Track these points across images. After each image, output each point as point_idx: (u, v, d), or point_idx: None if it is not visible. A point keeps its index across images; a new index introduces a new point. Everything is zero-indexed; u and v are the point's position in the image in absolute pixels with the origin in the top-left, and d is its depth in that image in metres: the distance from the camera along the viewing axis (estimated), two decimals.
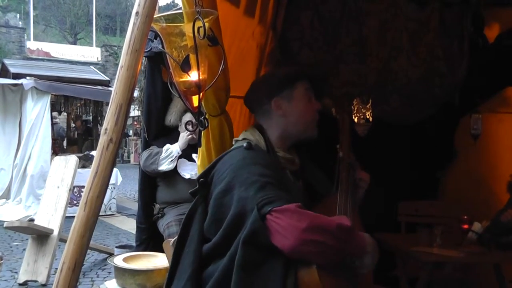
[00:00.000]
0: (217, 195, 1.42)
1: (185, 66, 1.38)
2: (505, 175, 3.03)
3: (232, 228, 1.35)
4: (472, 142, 3.46)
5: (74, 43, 26.66)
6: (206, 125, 1.59)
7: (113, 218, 6.99)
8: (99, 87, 8.40)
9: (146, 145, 3.26)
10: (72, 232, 1.28)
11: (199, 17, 1.33)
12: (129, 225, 6.25)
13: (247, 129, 1.68)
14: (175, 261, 1.48)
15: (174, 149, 3.09)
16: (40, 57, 19.74)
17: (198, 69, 1.38)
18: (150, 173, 3.14)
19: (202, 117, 1.53)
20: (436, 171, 3.46)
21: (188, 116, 3.07)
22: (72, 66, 13.12)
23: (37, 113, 6.94)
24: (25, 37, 21.13)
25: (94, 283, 4.06)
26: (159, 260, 2.51)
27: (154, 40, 2.87)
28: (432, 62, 3.12)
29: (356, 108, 2.82)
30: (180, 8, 1.57)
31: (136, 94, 3.42)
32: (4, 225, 4.08)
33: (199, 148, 1.89)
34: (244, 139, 1.60)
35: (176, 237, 1.58)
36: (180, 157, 3.11)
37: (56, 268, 2.45)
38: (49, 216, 4.20)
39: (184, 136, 3.11)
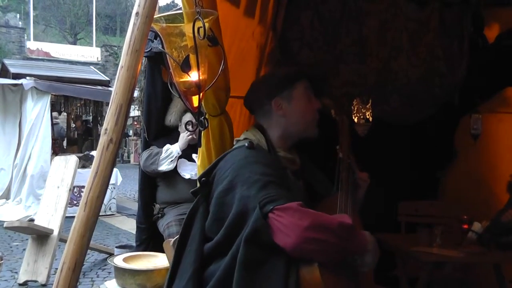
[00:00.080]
0: (219, 194, 1.43)
1: (185, 66, 1.38)
2: (505, 175, 3.03)
3: (234, 227, 1.35)
4: (472, 142, 3.46)
5: (74, 43, 26.66)
6: (206, 125, 1.59)
7: (113, 218, 6.99)
8: (99, 87, 8.40)
9: (146, 145, 3.26)
10: (72, 232, 1.28)
11: (199, 17, 1.33)
12: (129, 225, 6.25)
13: (248, 129, 1.69)
14: (176, 260, 1.48)
15: (174, 149, 3.09)
16: (40, 57, 19.74)
17: (198, 69, 1.38)
18: (150, 173, 3.14)
19: (202, 117, 1.53)
20: (436, 171, 3.46)
21: (188, 116, 3.07)
22: (72, 66, 13.13)
23: (37, 113, 6.94)
24: (25, 37, 21.13)
25: (94, 283, 4.06)
26: (159, 260, 2.52)
27: (154, 40, 2.87)
28: (432, 62, 3.13)
29: (356, 108, 2.82)
30: (180, 9, 1.57)
31: (136, 94, 3.42)
32: (4, 225, 4.08)
33: (199, 148, 1.90)
34: (245, 138, 1.61)
35: (177, 237, 1.58)
36: (180, 157, 3.11)
37: (56, 268, 2.44)
38: (49, 216, 4.20)
39: (184, 137, 3.11)
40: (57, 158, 4.78)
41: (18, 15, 25.91)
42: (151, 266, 2.45)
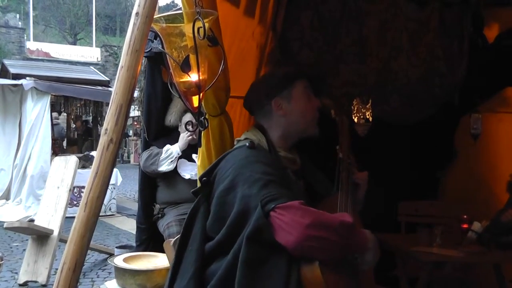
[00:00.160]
0: (220, 193, 1.43)
1: (185, 67, 1.38)
2: (505, 175, 3.03)
3: (235, 226, 1.36)
4: (472, 142, 3.46)
5: (74, 44, 26.66)
6: (206, 125, 1.59)
7: (113, 219, 6.99)
8: (99, 88, 8.39)
9: (146, 146, 3.26)
10: (73, 233, 1.28)
11: (199, 17, 1.34)
12: (129, 226, 6.25)
13: (248, 129, 1.69)
14: (178, 259, 1.48)
15: (174, 149, 3.09)
16: (40, 58, 19.75)
17: (198, 70, 1.38)
18: (150, 174, 3.14)
19: (202, 117, 1.54)
20: (436, 171, 3.46)
21: (188, 116, 3.07)
22: (72, 67, 13.11)
23: (37, 114, 6.94)
24: (25, 38, 21.14)
25: (95, 283, 4.06)
26: (159, 260, 2.52)
27: (154, 40, 2.87)
28: (432, 62, 3.13)
29: (356, 108, 2.82)
30: (180, 9, 1.57)
31: (136, 94, 3.42)
32: (4, 226, 4.08)
33: (199, 149, 1.90)
34: (246, 138, 1.62)
35: (177, 237, 1.58)
36: (180, 157, 3.11)
37: (56, 269, 2.44)
38: (49, 216, 4.20)
39: (184, 137, 3.11)
40: (57, 158, 4.78)
41: (17, 15, 25.91)
42: (151, 266, 2.45)
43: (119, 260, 2.46)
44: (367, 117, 2.82)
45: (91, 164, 1.33)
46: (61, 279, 1.27)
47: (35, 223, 4.23)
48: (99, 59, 21.61)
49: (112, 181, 5.17)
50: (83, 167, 6.66)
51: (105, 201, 5.43)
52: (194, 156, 3.09)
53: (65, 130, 10.93)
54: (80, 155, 7.07)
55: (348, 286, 1.46)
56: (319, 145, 1.86)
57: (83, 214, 1.27)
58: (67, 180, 4.35)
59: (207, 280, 1.38)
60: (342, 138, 1.91)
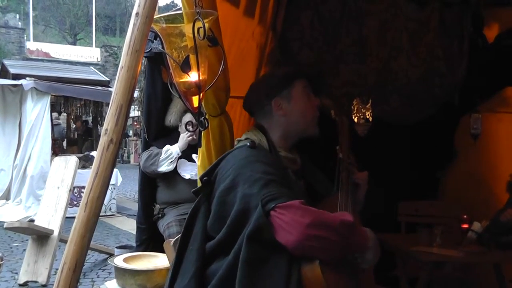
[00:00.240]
0: (221, 193, 1.44)
1: (185, 67, 1.38)
2: (505, 175, 3.03)
3: (236, 225, 1.36)
4: (472, 142, 3.46)
5: (74, 44, 26.66)
6: (206, 125, 1.59)
7: (113, 219, 6.99)
8: (99, 88, 8.39)
9: (146, 146, 3.26)
10: (73, 233, 1.29)
11: (199, 17, 1.34)
12: (129, 226, 6.25)
13: (249, 130, 1.69)
14: (178, 259, 1.49)
15: (173, 150, 3.09)
16: (39, 58, 19.77)
17: (198, 70, 1.39)
18: (150, 174, 3.14)
19: (202, 117, 1.54)
20: (436, 171, 3.46)
21: (188, 117, 3.07)
22: (72, 67, 13.10)
23: (37, 114, 6.94)
24: (25, 38, 21.16)
25: (95, 283, 4.06)
26: (159, 261, 2.51)
27: (154, 40, 2.87)
28: (432, 62, 3.13)
29: (356, 108, 2.83)
30: (180, 9, 1.57)
31: (136, 94, 3.42)
32: (4, 226, 4.08)
33: (199, 149, 1.90)
34: (247, 138, 1.62)
35: (177, 237, 1.58)
36: (180, 157, 3.11)
37: (56, 269, 2.44)
38: (49, 216, 4.20)
39: (184, 137, 3.11)
40: (57, 158, 4.78)
41: (17, 16, 25.94)
42: (151, 267, 2.45)
43: (119, 260, 2.46)
44: (367, 117, 2.83)
45: (91, 164, 1.34)
46: (61, 279, 1.27)
47: (35, 223, 4.23)
48: (99, 59, 21.62)
49: (112, 181, 5.16)
50: (83, 167, 6.67)
51: (105, 201, 5.43)
52: (194, 156, 3.09)
53: (66, 130, 10.94)
54: (80, 155, 7.07)
55: (348, 285, 1.46)
56: (319, 145, 1.86)
57: (83, 214, 1.27)
58: (67, 180, 4.35)
59: (207, 280, 1.38)
60: (342, 138, 1.91)
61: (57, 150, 7.98)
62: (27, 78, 7.40)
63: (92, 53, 22.09)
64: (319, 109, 1.70)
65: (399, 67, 3.09)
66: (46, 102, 7.04)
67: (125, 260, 2.47)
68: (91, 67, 12.32)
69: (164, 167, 3.07)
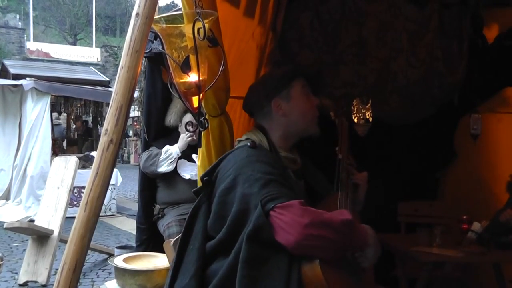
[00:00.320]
0: (221, 192, 1.44)
1: (185, 67, 1.38)
2: (505, 175, 3.03)
3: (236, 225, 1.37)
4: (472, 142, 3.46)
5: (74, 44, 26.66)
6: (206, 125, 1.59)
7: (113, 219, 6.99)
8: (99, 88, 8.39)
9: (146, 146, 3.26)
10: (73, 233, 1.29)
11: (199, 18, 1.34)
12: (129, 226, 6.25)
13: (249, 131, 1.70)
14: (179, 258, 1.49)
15: (173, 150, 3.09)
16: (40, 58, 19.77)
17: (198, 70, 1.39)
18: (150, 175, 3.15)
19: (202, 117, 1.54)
20: (436, 171, 3.46)
21: (188, 117, 3.08)
22: (72, 67, 13.10)
23: (37, 114, 6.94)
24: (25, 38, 21.17)
25: (95, 283, 4.06)
26: (159, 261, 2.52)
27: (154, 41, 2.87)
28: (432, 62, 3.13)
29: (356, 109, 2.82)
30: (180, 9, 1.57)
31: (136, 94, 3.42)
32: (4, 226, 4.08)
33: (199, 149, 1.90)
34: (247, 139, 1.62)
35: (177, 237, 1.58)
36: (180, 157, 3.11)
37: (56, 269, 2.44)
38: (49, 216, 4.20)
39: (184, 138, 3.11)
40: (57, 158, 4.78)
41: (17, 16, 25.94)
42: (151, 267, 2.45)
43: (119, 261, 2.46)
44: (367, 117, 2.82)
45: (91, 165, 1.34)
46: (61, 279, 1.27)
47: (35, 223, 4.23)
48: (99, 60, 21.63)
49: (112, 181, 5.16)
50: (83, 167, 6.66)
51: (105, 202, 5.44)
52: (194, 156, 3.09)
53: (66, 130, 10.94)
54: (80, 155, 7.07)
55: (349, 284, 1.46)
56: (318, 146, 1.87)
57: (83, 214, 1.28)
58: (67, 180, 4.35)
59: (208, 279, 1.39)
60: (341, 140, 1.92)
61: (57, 150, 7.98)
62: (27, 78, 7.40)
63: (92, 53, 22.10)
64: (319, 109, 1.71)
65: (399, 67, 3.09)
66: (46, 102, 7.04)
67: (125, 260, 2.47)
68: (91, 67, 12.32)
69: (164, 168, 3.07)
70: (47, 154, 6.94)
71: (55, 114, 9.65)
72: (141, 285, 2.34)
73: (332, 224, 1.33)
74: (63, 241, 4.02)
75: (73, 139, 10.49)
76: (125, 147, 18.84)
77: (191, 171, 3.11)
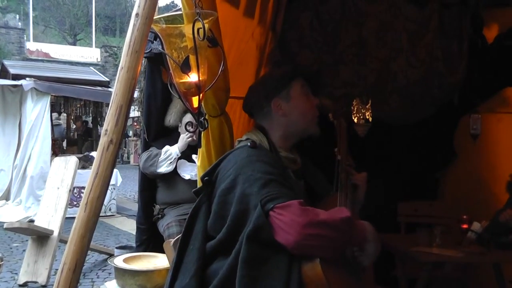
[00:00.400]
0: (222, 192, 1.44)
1: (185, 67, 1.38)
2: (505, 175, 3.03)
3: (236, 225, 1.37)
4: (471, 142, 3.47)
5: (74, 44, 26.67)
6: (206, 125, 1.59)
7: (113, 219, 6.99)
8: (99, 88, 8.38)
9: (145, 146, 3.26)
10: (73, 233, 1.29)
11: (199, 18, 1.34)
12: (129, 226, 6.25)
13: (249, 131, 1.70)
14: (179, 258, 1.49)
15: (173, 151, 3.09)
16: (39, 58, 19.78)
17: (198, 70, 1.39)
18: (149, 175, 3.14)
19: (202, 118, 1.54)
20: (436, 171, 3.47)
21: (188, 117, 3.07)
22: (72, 67, 13.09)
23: (37, 114, 6.94)
24: (25, 38, 21.17)
25: (94, 284, 4.06)
26: (159, 261, 2.52)
27: (154, 41, 2.87)
28: (432, 62, 3.13)
29: (355, 109, 2.83)
30: (179, 9, 1.57)
31: (136, 94, 3.42)
32: (4, 226, 4.08)
33: (199, 149, 1.90)
34: (247, 139, 1.62)
35: (177, 237, 1.59)
36: (180, 158, 3.11)
37: (56, 269, 2.44)
38: (49, 217, 4.20)
39: (184, 138, 3.11)
40: (57, 159, 4.77)
41: (17, 16, 25.94)
42: (151, 267, 2.45)
43: (119, 261, 2.46)
44: (367, 117, 2.83)
45: (91, 165, 1.34)
46: (61, 279, 1.27)
47: (35, 223, 4.23)
48: (99, 60, 21.63)
49: (112, 181, 5.16)
50: (83, 167, 6.66)
51: (105, 202, 5.43)
52: (194, 156, 3.09)
53: (66, 131, 10.94)
54: (80, 155, 7.07)
55: (349, 284, 1.47)
56: (318, 147, 1.87)
57: (83, 214, 1.28)
58: (67, 180, 4.35)
59: (208, 279, 1.39)
60: (340, 141, 1.92)
61: (57, 150, 7.98)
62: (27, 79, 7.40)
63: (92, 54, 22.11)
64: (319, 109, 1.71)
65: (399, 67, 3.09)
66: (46, 102, 7.04)
67: (125, 260, 2.47)
68: (91, 68, 12.32)
69: (164, 168, 3.07)
70: (47, 154, 6.94)
71: (55, 114, 9.65)
72: (141, 285, 2.34)
73: (331, 223, 1.33)
74: (63, 241, 4.02)
75: (73, 139, 10.49)
76: (125, 148, 18.83)
77: (191, 172, 3.10)
